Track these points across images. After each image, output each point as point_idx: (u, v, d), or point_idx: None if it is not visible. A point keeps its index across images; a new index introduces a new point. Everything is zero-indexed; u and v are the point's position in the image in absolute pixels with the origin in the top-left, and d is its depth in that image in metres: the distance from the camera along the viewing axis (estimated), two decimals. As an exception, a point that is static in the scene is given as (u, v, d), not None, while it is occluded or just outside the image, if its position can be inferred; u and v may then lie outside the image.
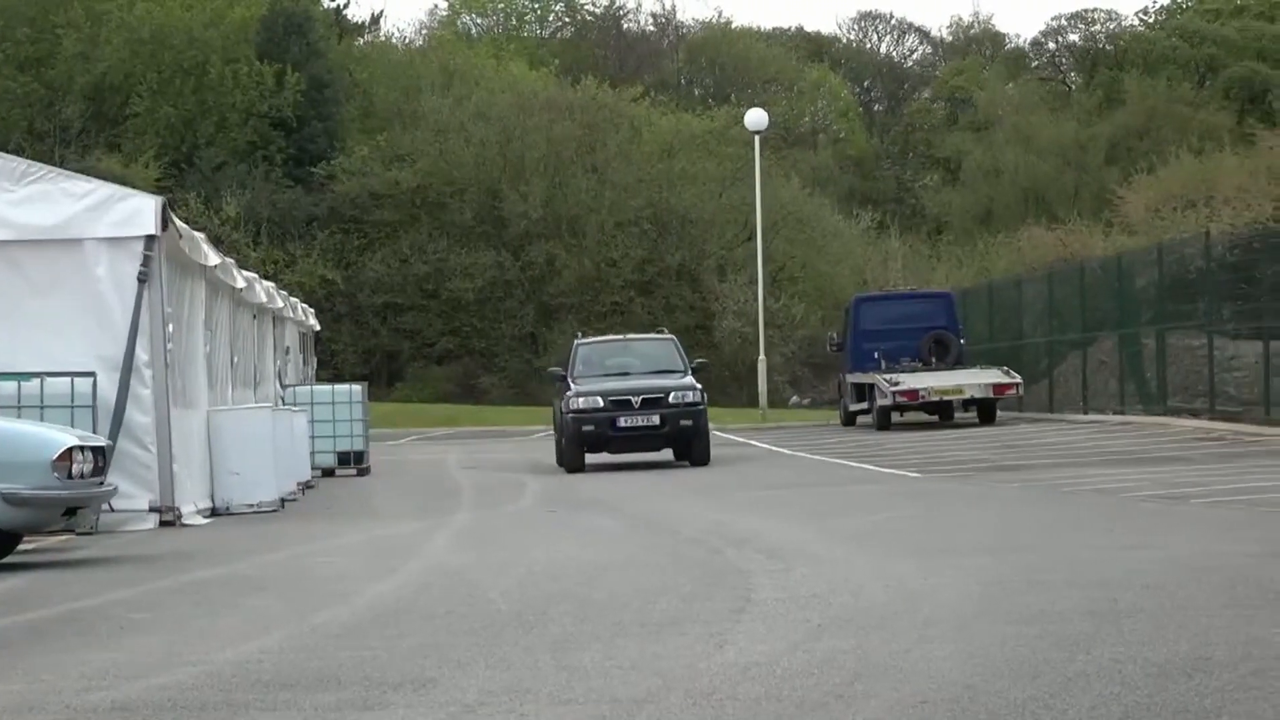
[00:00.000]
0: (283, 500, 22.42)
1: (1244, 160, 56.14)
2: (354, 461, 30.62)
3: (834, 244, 68.13)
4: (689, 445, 28.74)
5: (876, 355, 39.84)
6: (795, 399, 61.25)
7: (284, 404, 28.69)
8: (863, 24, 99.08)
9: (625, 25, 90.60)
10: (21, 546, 16.12)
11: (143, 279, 19.45)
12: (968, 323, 43.75)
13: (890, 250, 68.07)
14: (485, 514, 20.16)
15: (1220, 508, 16.87)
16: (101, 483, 15.77)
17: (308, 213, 64.63)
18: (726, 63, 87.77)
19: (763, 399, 50.54)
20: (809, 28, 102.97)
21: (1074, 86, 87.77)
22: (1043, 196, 73.05)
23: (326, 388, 31.97)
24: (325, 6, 74.53)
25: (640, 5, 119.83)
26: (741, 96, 79.46)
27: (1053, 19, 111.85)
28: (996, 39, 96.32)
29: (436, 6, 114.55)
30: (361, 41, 78.35)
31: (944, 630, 9.37)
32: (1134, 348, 37.06)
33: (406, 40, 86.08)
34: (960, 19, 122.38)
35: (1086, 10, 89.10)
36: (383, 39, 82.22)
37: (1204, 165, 58.30)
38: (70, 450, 14.99)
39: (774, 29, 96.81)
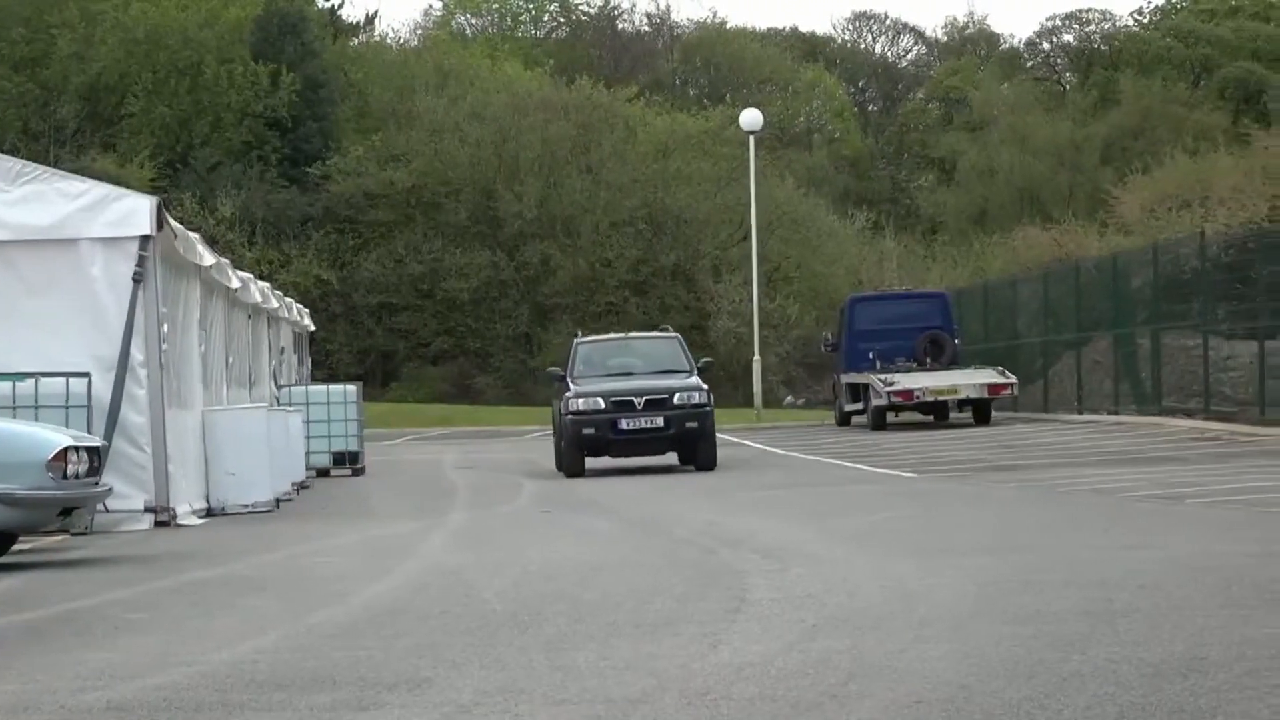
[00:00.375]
0: (278, 500, 22.42)
1: (1239, 160, 56.10)
2: (349, 462, 30.59)
3: (829, 244, 68.07)
4: (694, 448, 27.29)
5: (871, 355, 39.83)
6: (790, 399, 61.20)
7: (279, 404, 28.68)
8: (857, 24, 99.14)
9: (620, 25, 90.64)
10: (17, 547, 16.12)
11: (138, 279, 19.44)
12: (963, 323, 43.74)
13: (885, 250, 68.06)
14: (480, 514, 20.16)
15: (1217, 508, 16.87)
16: (97, 483, 15.76)
17: (303, 213, 64.61)
18: (721, 63, 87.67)
19: (758, 399, 50.53)
20: (804, 28, 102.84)
21: (1069, 87, 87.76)
22: (1038, 196, 73.01)
23: (321, 388, 31.92)
24: (320, 7, 74.53)
25: (635, 5, 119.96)
26: (736, 96, 79.40)
27: (1047, 19, 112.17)
28: (991, 39, 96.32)
29: (431, 6, 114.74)
30: (356, 42, 78.33)
31: (939, 630, 9.36)
32: (1129, 348, 37.04)
33: (401, 40, 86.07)
34: (955, 19, 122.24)
35: (1081, 10, 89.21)
36: (377, 39, 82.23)
37: (1199, 165, 58.25)
38: (65, 450, 14.98)
39: (769, 29, 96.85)
